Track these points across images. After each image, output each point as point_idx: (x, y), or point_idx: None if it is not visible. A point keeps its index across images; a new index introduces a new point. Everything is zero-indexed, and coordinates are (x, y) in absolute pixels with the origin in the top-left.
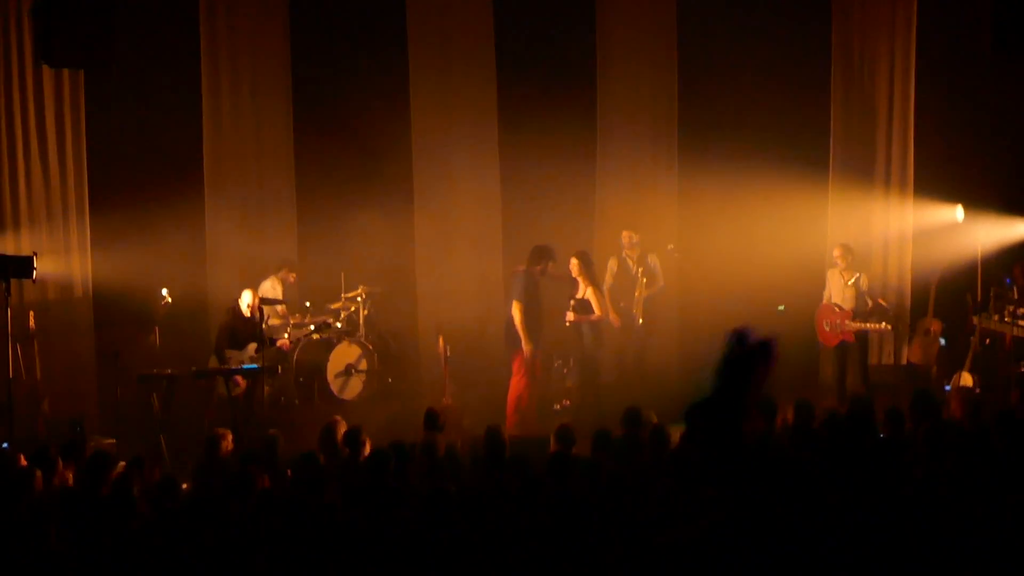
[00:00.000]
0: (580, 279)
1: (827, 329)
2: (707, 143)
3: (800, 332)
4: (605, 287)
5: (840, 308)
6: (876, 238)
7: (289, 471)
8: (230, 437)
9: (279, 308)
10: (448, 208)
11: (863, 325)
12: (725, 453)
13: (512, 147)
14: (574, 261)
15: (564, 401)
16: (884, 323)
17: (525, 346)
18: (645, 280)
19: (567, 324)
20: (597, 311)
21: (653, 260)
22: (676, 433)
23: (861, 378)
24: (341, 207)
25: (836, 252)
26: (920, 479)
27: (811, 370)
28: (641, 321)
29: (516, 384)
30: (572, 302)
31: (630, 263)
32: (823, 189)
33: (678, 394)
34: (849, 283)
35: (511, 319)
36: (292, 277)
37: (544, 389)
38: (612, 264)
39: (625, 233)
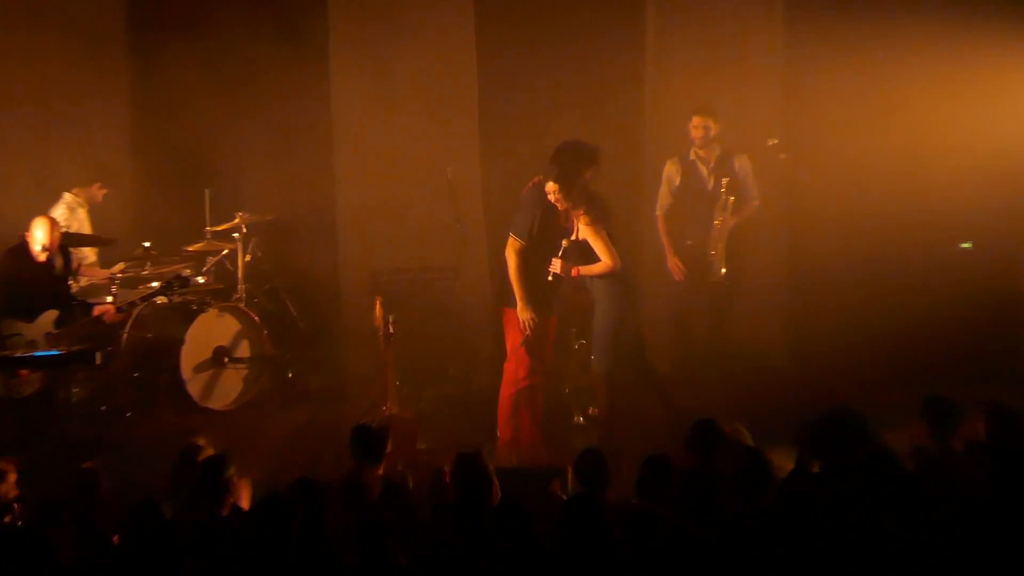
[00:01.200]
0: (565, 206)
1: None
2: None
3: (998, 285)
4: (658, 210)
5: None
6: None
7: (116, 535)
8: (12, 476)
9: (90, 253)
10: (387, 92)
11: None
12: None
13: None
14: (551, 184)
15: (590, 409)
16: None
17: (522, 312)
18: (732, 199)
19: (548, 279)
20: (606, 260)
21: (743, 165)
22: (781, 461)
23: None
24: (205, 81)
25: None
26: None
27: (1017, 352)
28: (724, 271)
29: (510, 376)
30: (563, 245)
31: (702, 170)
32: None
33: (786, 396)
34: None
35: (505, 268)
36: (102, 193)
37: (560, 387)
38: (670, 171)
39: (696, 119)
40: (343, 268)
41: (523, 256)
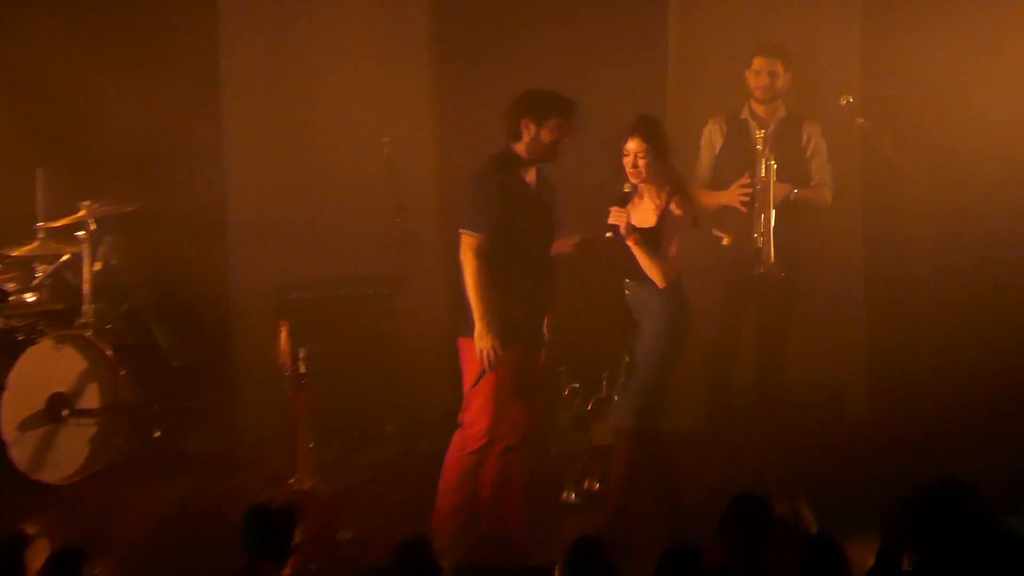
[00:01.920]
0: (642, 179)
1: None
2: None
3: None
4: (698, 180)
5: None
6: None
7: None
8: None
9: None
10: (298, 36)
11: None
12: None
13: None
14: (635, 143)
15: (586, 481)
16: None
17: (480, 339)
18: (773, 168)
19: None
20: (668, 265)
21: (814, 137)
22: (858, 554)
23: None
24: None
25: None
26: None
27: None
28: (773, 258)
29: (458, 438)
30: (626, 190)
31: (756, 134)
32: None
33: (866, 460)
34: None
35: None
36: None
37: (545, 450)
38: (712, 133)
39: (759, 62)
40: (235, 281)
41: (484, 258)
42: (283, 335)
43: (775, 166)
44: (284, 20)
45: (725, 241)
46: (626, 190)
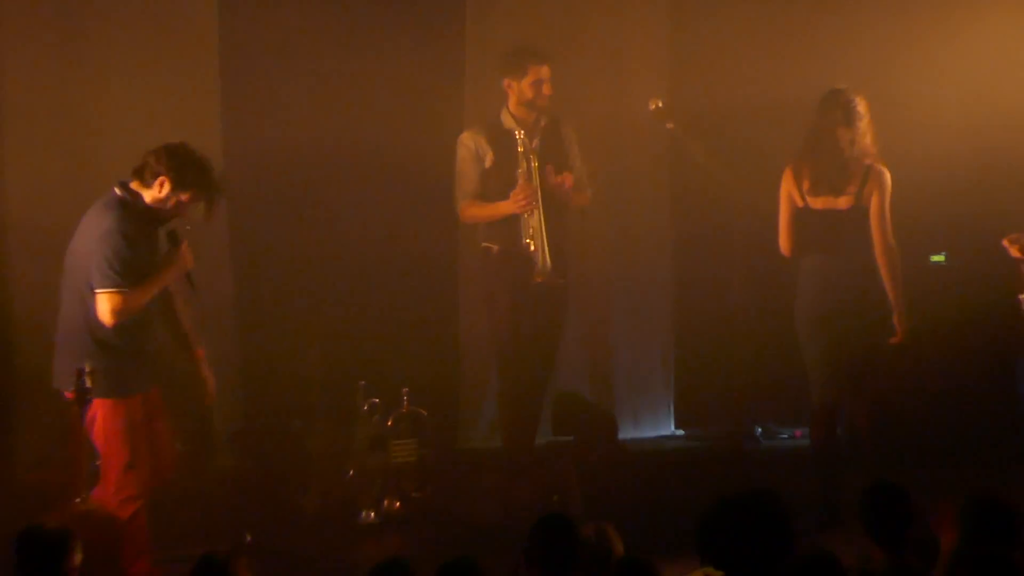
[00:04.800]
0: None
1: None
2: None
3: (986, 318)
4: (467, 195)
5: None
6: None
7: None
8: None
9: None
10: (79, 32)
11: None
12: None
13: None
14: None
15: (386, 501)
16: None
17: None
18: (535, 170)
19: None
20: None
21: (569, 134)
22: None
23: None
24: None
25: None
26: None
27: (1016, 417)
28: (550, 265)
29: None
30: None
31: (521, 138)
32: None
33: (682, 475)
34: None
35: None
36: None
37: (342, 469)
38: (477, 144)
39: (546, 70)
40: (14, 285)
41: (125, 303)
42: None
43: (537, 167)
44: (68, 24)
45: (495, 250)
46: None
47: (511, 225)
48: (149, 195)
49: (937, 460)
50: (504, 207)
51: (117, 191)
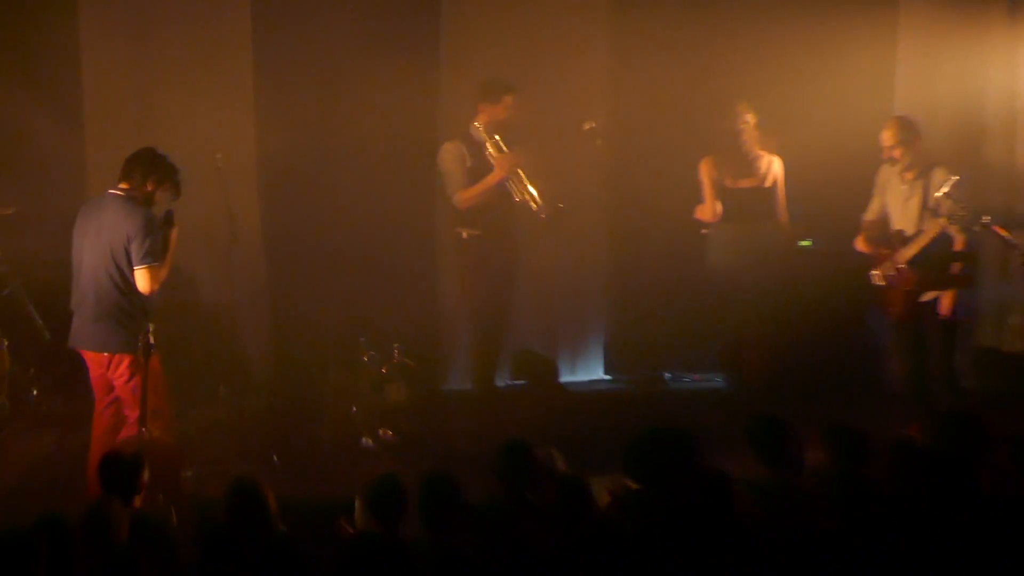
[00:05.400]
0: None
1: (886, 283)
2: None
3: (847, 288)
4: (458, 188)
5: (904, 236)
6: (990, 110)
7: None
8: None
9: None
10: (148, 60)
11: (919, 245)
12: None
13: None
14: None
15: (381, 431)
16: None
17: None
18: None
19: None
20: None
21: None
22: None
23: (945, 376)
24: None
25: (886, 135)
26: None
27: (867, 361)
28: (542, 203)
29: (129, 418)
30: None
31: (489, 144)
32: (887, 16)
33: (607, 414)
34: (915, 192)
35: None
36: None
37: (346, 408)
38: (460, 152)
39: (513, 97)
40: None
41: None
42: None
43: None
44: (139, 41)
45: (465, 235)
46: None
47: (480, 214)
48: (142, 191)
49: (809, 396)
50: (491, 179)
51: (122, 190)
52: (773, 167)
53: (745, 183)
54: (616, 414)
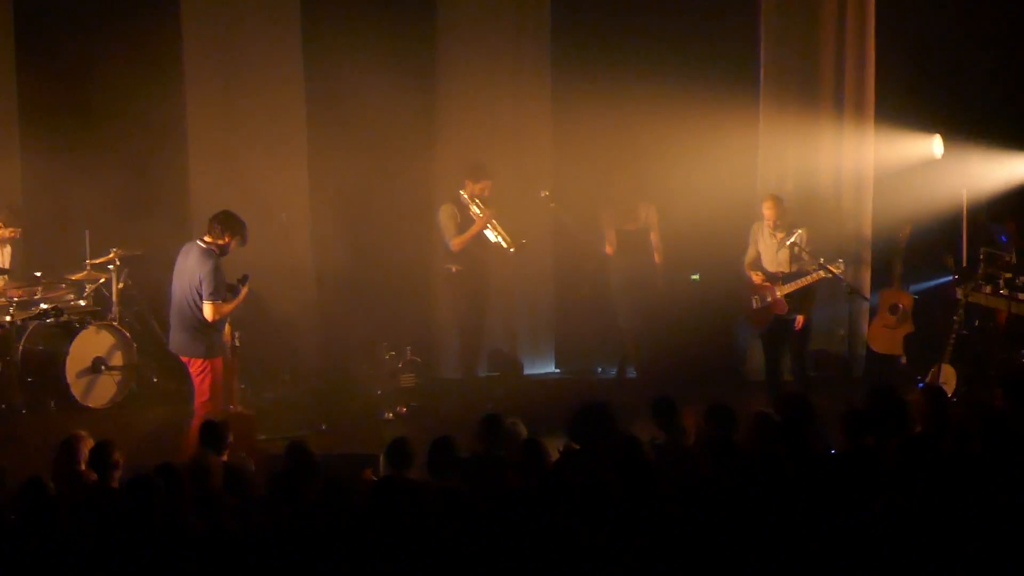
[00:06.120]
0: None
1: (755, 305)
2: (587, 57)
3: (721, 309)
4: (452, 235)
5: (771, 275)
6: (824, 180)
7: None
8: None
9: None
10: (235, 146)
11: (797, 285)
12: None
13: (322, 61)
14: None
15: (398, 407)
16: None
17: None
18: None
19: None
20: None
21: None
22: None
23: (798, 370)
24: (86, 140)
25: (766, 207)
26: (883, 514)
27: (734, 359)
28: (510, 242)
29: (208, 406)
30: None
31: (472, 207)
32: (750, 114)
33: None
34: (786, 243)
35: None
36: (10, 232)
37: (372, 390)
38: (452, 211)
39: (487, 183)
40: None
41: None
42: (227, 326)
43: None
44: (230, 116)
45: (453, 270)
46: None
47: (463, 254)
48: (219, 243)
49: (694, 382)
50: (475, 228)
51: (205, 242)
52: (652, 213)
53: (630, 225)
54: (562, 396)
